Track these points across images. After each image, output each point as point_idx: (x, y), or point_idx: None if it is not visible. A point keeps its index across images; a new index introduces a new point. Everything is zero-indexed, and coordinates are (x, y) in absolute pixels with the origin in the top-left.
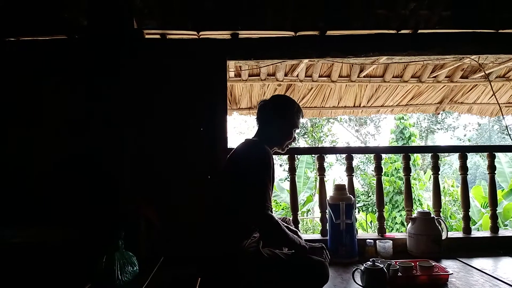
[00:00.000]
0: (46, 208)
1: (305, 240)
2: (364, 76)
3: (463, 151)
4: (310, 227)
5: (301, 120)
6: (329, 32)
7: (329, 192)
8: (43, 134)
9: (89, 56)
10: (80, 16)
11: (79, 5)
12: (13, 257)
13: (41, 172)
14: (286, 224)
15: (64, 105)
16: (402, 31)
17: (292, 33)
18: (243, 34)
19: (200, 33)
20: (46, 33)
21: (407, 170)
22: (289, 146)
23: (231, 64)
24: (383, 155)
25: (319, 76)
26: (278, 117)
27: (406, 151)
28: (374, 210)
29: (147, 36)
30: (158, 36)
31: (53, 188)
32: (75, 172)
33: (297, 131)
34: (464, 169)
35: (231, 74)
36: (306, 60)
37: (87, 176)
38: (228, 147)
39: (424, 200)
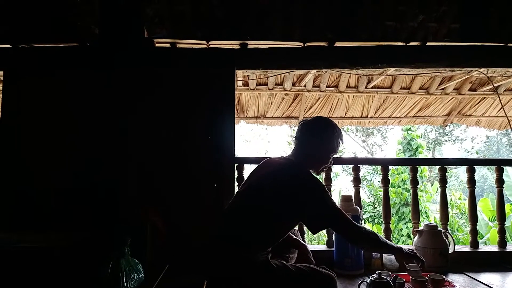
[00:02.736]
0: (54, 214)
1: (311, 251)
2: (371, 87)
3: (471, 164)
4: (315, 237)
5: (340, 146)
6: (338, 43)
7: (336, 203)
8: (52, 142)
9: (99, 64)
10: (92, 24)
11: (91, 14)
12: (20, 261)
13: (49, 178)
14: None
15: (73, 112)
16: (411, 43)
17: (301, 44)
18: (252, 44)
19: (210, 42)
20: (58, 41)
21: (414, 182)
22: (324, 171)
23: (239, 73)
24: (390, 166)
25: (327, 86)
26: (318, 139)
27: (413, 163)
28: (380, 221)
29: (157, 45)
30: (168, 45)
31: (61, 194)
32: (83, 179)
33: (335, 156)
34: (471, 182)
35: (239, 83)
36: (314, 70)
37: (95, 183)
38: (236, 155)
39: (431, 212)
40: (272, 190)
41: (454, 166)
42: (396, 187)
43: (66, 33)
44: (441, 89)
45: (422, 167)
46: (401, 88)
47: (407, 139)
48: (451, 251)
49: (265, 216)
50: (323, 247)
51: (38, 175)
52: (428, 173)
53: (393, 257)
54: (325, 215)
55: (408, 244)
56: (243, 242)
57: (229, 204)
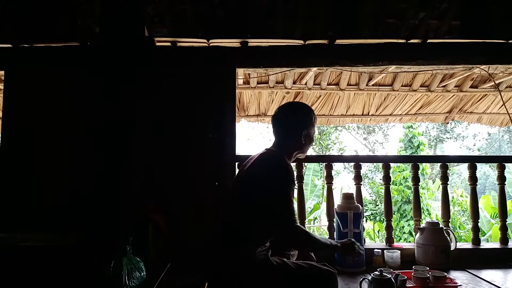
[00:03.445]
0: (56, 214)
1: None
2: (372, 85)
3: (472, 161)
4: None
5: (315, 121)
6: (338, 41)
7: (337, 200)
8: (53, 141)
9: (100, 64)
10: (93, 23)
11: (92, 13)
12: (23, 260)
13: (51, 177)
14: None
15: (74, 111)
16: (412, 41)
17: (301, 42)
18: (253, 42)
19: (210, 41)
20: (59, 40)
21: (416, 179)
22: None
23: (240, 72)
24: (391, 164)
25: (328, 84)
26: (299, 123)
27: (415, 161)
28: (382, 219)
29: (158, 44)
30: (168, 44)
31: (63, 193)
32: (85, 178)
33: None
34: (473, 179)
35: (240, 81)
36: (314, 68)
37: (97, 182)
38: (237, 154)
39: (433, 209)
40: (252, 185)
41: (456, 164)
42: (397, 185)
43: (66, 32)
44: (442, 87)
45: (423, 164)
46: (402, 86)
47: (409, 137)
48: (452, 248)
49: (252, 211)
50: None
51: (40, 174)
52: (430, 170)
53: (394, 254)
54: (276, 198)
55: (410, 242)
56: (239, 240)
57: (223, 203)
